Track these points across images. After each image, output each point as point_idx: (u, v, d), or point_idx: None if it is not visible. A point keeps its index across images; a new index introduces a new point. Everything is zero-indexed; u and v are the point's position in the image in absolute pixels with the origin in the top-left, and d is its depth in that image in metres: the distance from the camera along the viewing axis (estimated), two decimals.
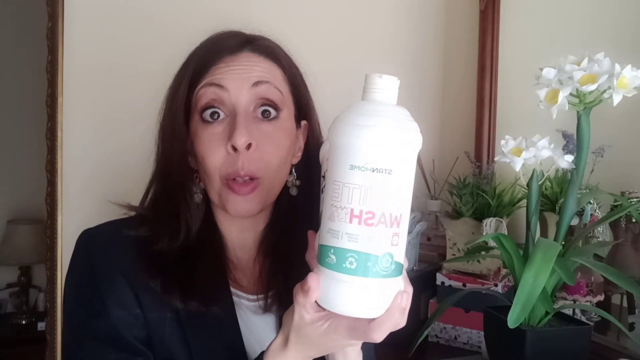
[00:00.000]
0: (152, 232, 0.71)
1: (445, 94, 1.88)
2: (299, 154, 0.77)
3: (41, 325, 2.53)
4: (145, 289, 0.68)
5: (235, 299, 0.75)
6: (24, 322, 2.61)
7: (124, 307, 0.68)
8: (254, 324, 0.75)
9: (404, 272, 0.55)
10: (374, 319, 0.53)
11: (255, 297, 0.76)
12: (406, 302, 0.53)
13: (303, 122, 0.78)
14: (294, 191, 0.76)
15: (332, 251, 0.51)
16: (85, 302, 0.69)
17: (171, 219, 0.72)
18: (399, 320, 0.53)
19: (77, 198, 1.42)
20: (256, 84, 0.70)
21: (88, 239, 0.73)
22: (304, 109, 0.77)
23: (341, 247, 0.50)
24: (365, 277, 0.50)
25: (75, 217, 1.41)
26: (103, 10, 1.44)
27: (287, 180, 0.76)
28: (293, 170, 0.76)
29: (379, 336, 0.53)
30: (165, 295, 0.68)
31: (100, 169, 1.44)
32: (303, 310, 0.55)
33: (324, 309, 0.55)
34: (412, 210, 1.45)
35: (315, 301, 0.54)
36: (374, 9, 1.79)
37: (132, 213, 0.76)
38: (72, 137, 1.42)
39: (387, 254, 0.51)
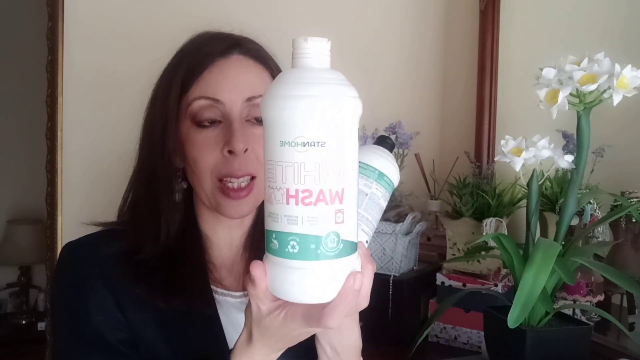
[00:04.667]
0: (134, 243, 0.73)
1: (445, 94, 1.88)
2: None
3: (41, 325, 2.54)
4: (126, 293, 0.71)
5: (219, 297, 0.76)
6: (24, 322, 2.61)
7: (106, 312, 0.70)
8: (239, 321, 0.75)
9: (365, 250, 0.53)
10: (327, 304, 0.49)
11: (241, 293, 0.78)
12: (359, 283, 0.49)
13: None
14: None
15: (274, 236, 0.48)
16: (70, 308, 0.72)
17: (151, 221, 0.73)
18: (356, 303, 0.50)
19: (77, 198, 1.42)
20: (249, 99, 0.71)
21: (70, 250, 0.76)
22: None
23: (282, 230, 0.47)
24: (309, 260, 0.47)
25: (75, 217, 1.41)
26: (103, 11, 1.44)
27: None
28: None
29: (332, 322, 0.49)
30: (148, 298, 0.70)
31: (100, 169, 1.44)
32: (258, 301, 0.53)
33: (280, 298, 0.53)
34: (412, 210, 1.47)
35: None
36: (373, 8, 1.79)
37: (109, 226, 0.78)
38: (72, 137, 1.42)
39: (332, 233, 0.47)
